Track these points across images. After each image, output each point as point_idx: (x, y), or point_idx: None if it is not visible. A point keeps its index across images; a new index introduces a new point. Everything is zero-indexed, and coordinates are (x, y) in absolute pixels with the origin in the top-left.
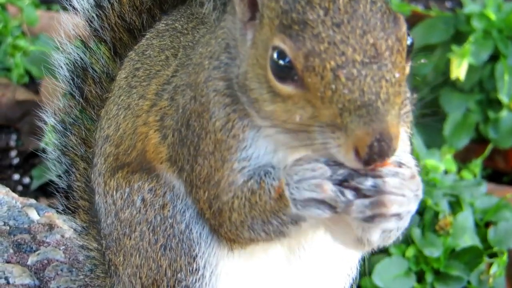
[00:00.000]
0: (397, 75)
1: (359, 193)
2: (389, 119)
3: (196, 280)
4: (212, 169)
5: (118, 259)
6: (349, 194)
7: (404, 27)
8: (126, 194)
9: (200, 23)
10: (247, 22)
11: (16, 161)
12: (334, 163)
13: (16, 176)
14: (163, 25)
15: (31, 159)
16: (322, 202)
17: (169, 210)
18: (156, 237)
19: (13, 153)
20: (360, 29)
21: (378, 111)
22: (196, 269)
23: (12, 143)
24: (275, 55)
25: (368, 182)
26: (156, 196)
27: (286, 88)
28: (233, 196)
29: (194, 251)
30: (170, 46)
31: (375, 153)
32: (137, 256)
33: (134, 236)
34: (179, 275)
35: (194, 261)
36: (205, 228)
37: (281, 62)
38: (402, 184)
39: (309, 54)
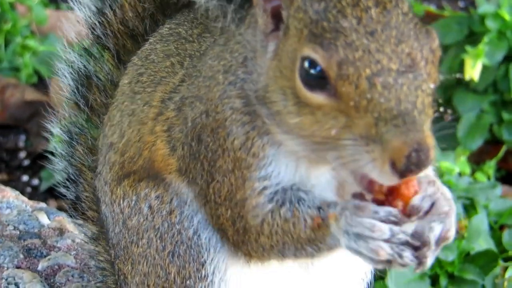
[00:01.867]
0: (431, 85)
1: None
2: (425, 129)
3: (205, 286)
4: (233, 187)
5: (126, 268)
6: (406, 253)
7: (437, 40)
8: (133, 202)
9: (205, 30)
10: (269, 33)
11: (25, 162)
12: (394, 217)
13: (25, 178)
14: (167, 29)
15: (40, 160)
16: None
17: (176, 216)
18: (163, 244)
19: (22, 154)
20: (394, 38)
21: (414, 121)
22: (205, 276)
23: (21, 144)
24: (306, 64)
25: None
26: (163, 203)
27: (317, 98)
28: (262, 222)
29: (202, 257)
30: (175, 53)
31: (412, 164)
32: (145, 263)
33: (141, 243)
34: (188, 282)
35: (203, 267)
36: (214, 234)
37: (312, 71)
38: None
39: (342, 62)
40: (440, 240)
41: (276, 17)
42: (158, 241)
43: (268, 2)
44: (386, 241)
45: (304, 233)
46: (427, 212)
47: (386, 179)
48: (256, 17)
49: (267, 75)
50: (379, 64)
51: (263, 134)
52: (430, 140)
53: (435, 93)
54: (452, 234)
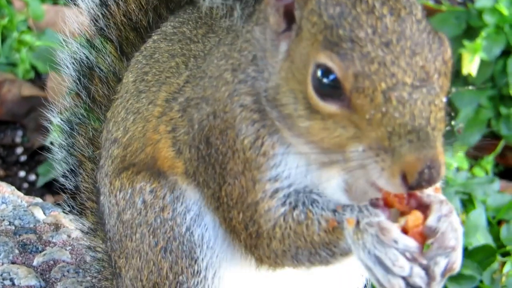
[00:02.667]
0: (443, 99)
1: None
2: (438, 145)
3: (198, 282)
4: (244, 189)
5: (121, 261)
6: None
7: (449, 49)
8: (128, 195)
9: (209, 30)
10: (281, 33)
11: (22, 158)
12: (410, 254)
13: (22, 173)
14: (171, 27)
15: (37, 155)
16: None
17: (169, 213)
18: (156, 239)
19: (19, 150)
20: (409, 50)
21: (428, 137)
22: (198, 271)
23: (18, 139)
24: (319, 73)
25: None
26: (156, 198)
27: (329, 107)
28: (274, 225)
29: (195, 253)
30: (180, 53)
31: (424, 180)
32: (138, 258)
33: (135, 238)
34: (180, 277)
35: (195, 263)
36: (207, 230)
37: (325, 80)
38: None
39: (359, 75)
40: (445, 272)
41: (288, 16)
42: (151, 236)
43: (280, 0)
44: (403, 277)
45: (318, 236)
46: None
47: (393, 188)
48: (267, 15)
49: (279, 75)
50: (394, 78)
51: (273, 133)
52: (442, 157)
53: (447, 106)
54: (457, 266)
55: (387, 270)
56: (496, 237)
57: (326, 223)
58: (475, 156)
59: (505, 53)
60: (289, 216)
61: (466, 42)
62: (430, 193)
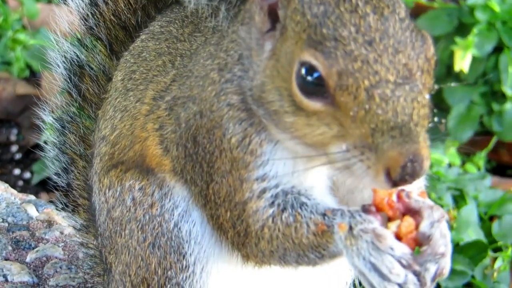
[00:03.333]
0: (426, 96)
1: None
2: (420, 140)
3: (186, 277)
4: (232, 188)
5: (111, 257)
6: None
7: (432, 47)
8: (117, 193)
9: (196, 29)
10: (265, 32)
11: (17, 156)
12: (406, 261)
13: (17, 171)
14: (158, 26)
15: (31, 153)
16: None
17: (157, 209)
18: (144, 235)
19: (14, 148)
20: (392, 48)
21: (410, 132)
22: (186, 266)
23: (13, 137)
24: (303, 71)
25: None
26: (145, 195)
27: (313, 104)
28: (263, 226)
29: (183, 248)
30: (166, 52)
31: (407, 174)
32: (127, 254)
33: (124, 234)
34: (169, 272)
35: (183, 258)
36: (195, 226)
37: (309, 78)
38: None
39: (342, 73)
40: (435, 278)
41: (273, 15)
42: (139, 232)
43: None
44: (398, 284)
45: (307, 239)
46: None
47: (378, 185)
48: (252, 14)
49: (264, 74)
50: (377, 76)
51: (261, 131)
52: (426, 151)
53: (431, 103)
54: (447, 271)
55: (383, 277)
56: (488, 233)
57: (315, 227)
58: (467, 152)
59: (497, 50)
60: (277, 218)
61: (458, 39)
62: (418, 198)
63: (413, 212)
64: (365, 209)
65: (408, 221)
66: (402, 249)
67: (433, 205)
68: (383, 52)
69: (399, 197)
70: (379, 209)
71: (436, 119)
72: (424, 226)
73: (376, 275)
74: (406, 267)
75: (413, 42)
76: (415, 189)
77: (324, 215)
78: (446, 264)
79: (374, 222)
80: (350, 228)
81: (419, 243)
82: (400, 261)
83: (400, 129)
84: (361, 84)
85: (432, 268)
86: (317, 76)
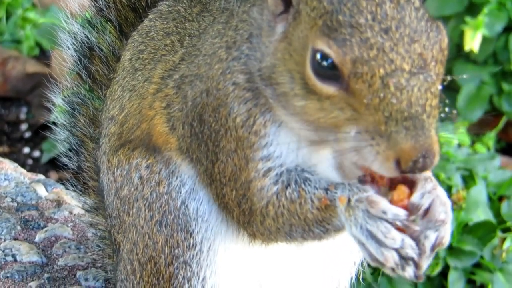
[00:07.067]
0: (439, 87)
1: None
2: (432, 134)
3: (194, 255)
4: (237, 167)
5: (119, 236)
6: (409, 268)
7: (446, 38)
8: (125, 171)
9: (204, 9)
10: (278, 15)
11: (26, 134)
12: (400, 221)
13: (26, 150)
14: (166, 6)
15: (41, 132)
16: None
17: (164, 187)
18: (151, 213)
19: (24, 126)
20: (408, 37)
21: (423, 125)
22: (193, 244)
23: (23, 116)
24: (318, 56)
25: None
26: (152, 173)
27: (327, 88)
28: (267, 203)
29: (190, 226)
30: (175, 32)
31: (417, 168)
32: (134, 232)
33: (132, 212)
34: (176, 251)
35: (191, 236)
36: (202, 204)
37: (324, 63)
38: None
39: (357, 61)
40: (434, 246)
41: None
42: (147, 210)
43: None
44: (396, 249)
45: (311, 214)
46: (426, 210)
47: (386, 172)
48: None
49: (274, 56)
50: (392, 64)
51: (265, 112)
52: (437, 146)
53: (441, 94)
54: (447, 240)
55: (379, 243)
56: (497, 213)
57: (319, 202)
58: (477, 132)
59: (507, 30)
60: (282, 194)
61: (468, 19)
62: None
63: (411, 183)
64: (361, 180)
65: (401, 189)
66: (395, 211)
67: (428, 176)
68: (399, 41)
69: None
70: (373, 179)
71: (447, 109)
72: (415, 197)
73: (373, 242)
74: (404, 227)
75: (428, 32)
76: None
77: (327, 189)
78: (446, 232)
79: (369, 191)
80: (349, 200)
81: (410, 212)
82: (395, 223)
83: (414, 121)
84: (377, 72)
85: (432, 235)
86: (331, 62)
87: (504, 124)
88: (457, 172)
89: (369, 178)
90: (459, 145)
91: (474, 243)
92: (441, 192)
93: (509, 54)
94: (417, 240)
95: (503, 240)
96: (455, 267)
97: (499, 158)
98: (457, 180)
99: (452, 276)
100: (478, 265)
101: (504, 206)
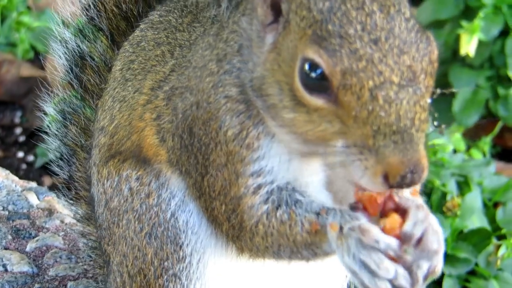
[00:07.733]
0: (428, 100)
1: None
2: (421, 149)
3: (183, 268)
4: (227, 182)
5: (109, 248)
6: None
7: (436, 49)
8: (115, 183)
9: (195, 19)
10: (267, 25)
11: (20, 138)
12: (393, 251)
13: (20, 154)
14: (157, 16)
15: (35, 136)
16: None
17: (154, 199)
18: (141, 225)
19: (18, 130)
20: (397, 48)
21: (412, 139)
22: (183, 257)
23: (17, 120)
24: (306, 67)
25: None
26: (142, 185)
27: (315, 101)
28: (257, 222)
29: (180, 239)
30: (165, 42)
31: (405, 183)
32: (124, 244)
33: (121, 224)
34: (165, 263)
35: (180, 249)
36: (192, 216)
37: (313, 74)
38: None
39: (346, 72)
40: (427, 276)
41: (275, 8)
42: (136, 222)
43: None
44: (389, 281)
45: (301, 237)
46: (419, 239)
47: (374, 187)
48: (255, 5)
49: (263, 67)
50: (381, 76)
51: (258, 124)
52: (425, 161)
53: (431, 107)
54: (439, 269)
55: (373, 273)
56: (492, 220)
57: (309, 225)
58: (472, 137)
59: (503, 34)
60: (272, 215)
61: (464, 23)
62: (409, 197)
63: (403, 211)
64: (352, 207)
65: (394, 217)
66: (387, 240)
67: (420, 204)
68: (388, 52)
69: (390, 195)
70: (365, 207)
71: (435, 123)
72: (407, 225)
73: (366, 272)
74: (396, 257)
75: (418, 43)
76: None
77: (318, 214)
78: (439, 262)
79: (361, 219)
80: (341, 228)
81: (402, 241)
82: (388, 253)
83: (402, 135)
84: (365, 84)
85: (424, 265)
86: (320, 73)
87: (500, 129)
88: (452, 178)
89: (360, 205)
90: (455, 151)
91: (469, 250)
92: (433, 220)
93: (505, 58)
94: (409, 269)
95: (498, 247)
96: (449, 274)
97: (495, 163)
98: (451, 187)
99: (447, 283)
100: (473, 272)
101: (500, 213)
